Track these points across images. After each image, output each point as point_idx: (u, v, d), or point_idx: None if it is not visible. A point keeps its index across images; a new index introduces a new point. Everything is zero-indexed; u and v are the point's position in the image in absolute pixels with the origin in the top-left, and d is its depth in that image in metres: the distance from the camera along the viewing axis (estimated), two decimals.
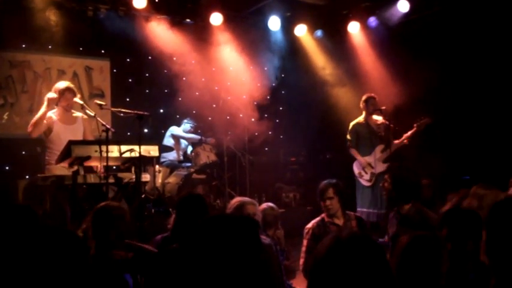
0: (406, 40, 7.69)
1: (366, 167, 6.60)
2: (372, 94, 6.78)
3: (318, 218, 4.49)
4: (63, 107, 5.59)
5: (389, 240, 4.18)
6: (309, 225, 4.47)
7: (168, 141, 7.83)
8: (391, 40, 7.93)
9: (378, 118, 6.71)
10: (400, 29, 7.89)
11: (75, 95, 5.61)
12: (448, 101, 7.19)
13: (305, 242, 4.42)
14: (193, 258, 1.69)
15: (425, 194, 4.47)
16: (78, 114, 5.75)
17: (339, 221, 4.40)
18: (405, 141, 6.58)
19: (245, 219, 1.90)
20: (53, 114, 5.60)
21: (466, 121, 7.21)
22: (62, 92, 5.55)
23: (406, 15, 7.78)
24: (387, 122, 6.57)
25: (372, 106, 6.67)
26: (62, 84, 5.69)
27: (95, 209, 3.31)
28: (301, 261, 4.41)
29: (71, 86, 5.71)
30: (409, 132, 6.54)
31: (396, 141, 6.59)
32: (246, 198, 4.03)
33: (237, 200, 4.00)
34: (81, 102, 5.60)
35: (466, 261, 2.53)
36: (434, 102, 7.17)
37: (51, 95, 5.54)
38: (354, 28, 8.36)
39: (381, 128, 6.67)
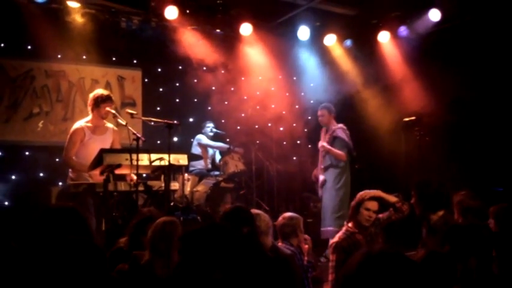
0: (437, 50, 7.61)
1: None
2: None
3: (342, 231, 4.39)
4: (98, 115, 5.62)
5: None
6: (335, 239, 4.37)
7: (195, 149, 7.91)
8: (422, 50, 7.85)
9: None
10: (431, 39, 7.81)
11: (112, 104, 5.67)
12: (477, 110, 7.07)
13: (333, 257, 4.28)
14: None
15: (472, 204, 4.32)
16: (109, 125, 5.78)
17: (362, 230, 4.34)
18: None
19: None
20: (86, 122, 5.66)
21: (497, 131, 7.08)
22: (101, 101, 5.59)
23: (437, 24, 7.70)
24: None
25: None
26: (100, 92, 5.72)
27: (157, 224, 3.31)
28: (331, 277, 4.29)
29: (110, 94, 5.75)
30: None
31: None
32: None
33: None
34: (113, 111, 5.68)
35: (469, 279, 2.44)
36: (463, 112, 7.07)
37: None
38: (384, 38, 8.32)
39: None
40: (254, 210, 3.91)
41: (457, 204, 4.21)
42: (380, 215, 4.46)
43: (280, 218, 4.42)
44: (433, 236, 3.85)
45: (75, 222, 2.63)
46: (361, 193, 4.40)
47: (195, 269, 1.73)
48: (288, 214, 4.46)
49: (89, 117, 5.68)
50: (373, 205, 4.31)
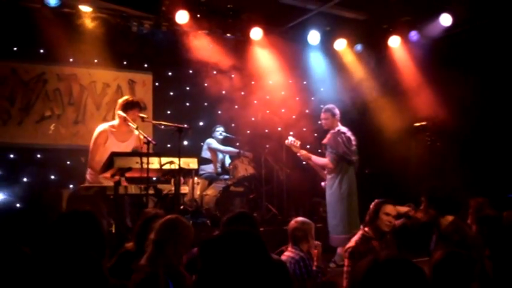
0: (448, 54, 7.58)
1: None
2: None
3: (358, 236, 4.32)
4: (124, 120, 5.53)
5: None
6: (351, 244, 4.28)
7: (205, 153, 7.93)
8: (433, 54, 7.83)
9: None
10: (442, 43, 7.78)
11: (139, 111, 5.59)
12: (489, 116, 7.02)
13: (348, 262, 4.21)
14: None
15: (490, 213, 4.27)
16: (135, 132, 5.63)
17: (379, 236, 4.29)
18: None
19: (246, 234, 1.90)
20: (110, 126, 5.64)
21: (509, 137, 7.02)
22: (130, 106, 5.55)
23: (448, 29, 7.67)
24: None
25: None
26: (129, 98, 5.71)
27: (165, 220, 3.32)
28: (345, 282, 4.24)
29: (140, 101, 5.73)
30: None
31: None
32: None
33: None
34: (124, 115, 5.66)
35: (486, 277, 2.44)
36: (475, 117, 7.02)
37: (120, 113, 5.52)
38: (394, 42, 8.30)
39: None
40: None
41: (473, 211, 4.18)
42: (396, 222, 4.43)
43: (292, 222, 4.41)
44: (444, 242, 3.82)
45: (90, 227, 2.64)
46: (377, 200, 4.36)
47: (216, 276, 1.74)
48: (301, 219, 4.45)
49: (115, 122, 5.68)
50: (392, 210, 4.27)
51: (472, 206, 4.36)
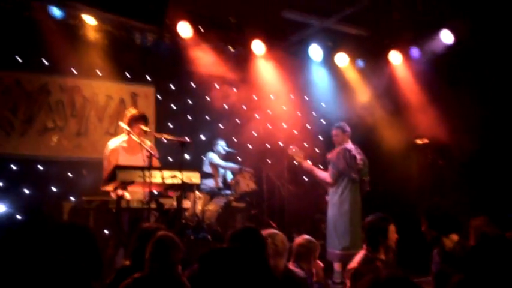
0: (450, 71, 7.62)
1: None
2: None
3: (360, 256, 4.15)
4: (130, 135, 5.54)
5: (432, 278, 4.05)
6: (353, 264, 4.13)
7: (207, 167, 7.91)
8: (435, 71, 7.87)
9: None
10: (443, 60, 7.82)
11: (144, 124, 5.60)
12: (491, 133, 7.04)
13: (350, 283, 4.05)
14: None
15: (489, 231, 4.22)
16: (148, 143, 5.61)
17: (383, 255, 4.15)
18: None
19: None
20: (121, 142, 5.66)
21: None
22: (134, 120, 5.55)
23: (450, 46, 7.72)
24: None
25: None
26: (133, 111, 5.72)
27: (155, 238, 3.37)
28: None
29: (145, 114, 5.74)
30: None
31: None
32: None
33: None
34: (128, 128, 5.66)
35: None
36: (476, 134, 7.04)
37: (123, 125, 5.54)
38: (396, 59, 8.35)
39: None
40: (272, 230, 3.86)
41: (474, 230, 4.15)
42: None
43: (298, 238, 4.38)
44: (449, 262, 3.78)
45: (84, 241, 2.62)
46: (382, 221, 4.23)
47: None
48: (307, 237, 4.41)
49: (125, 137, 5.69)
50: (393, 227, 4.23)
51: (473, 225, 4.33)
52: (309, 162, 6.79)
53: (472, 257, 2.29)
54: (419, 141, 7.01)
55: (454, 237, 3.97)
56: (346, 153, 6.52)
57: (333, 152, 6.63)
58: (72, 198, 6.95)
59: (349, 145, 6.62)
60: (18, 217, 6.82)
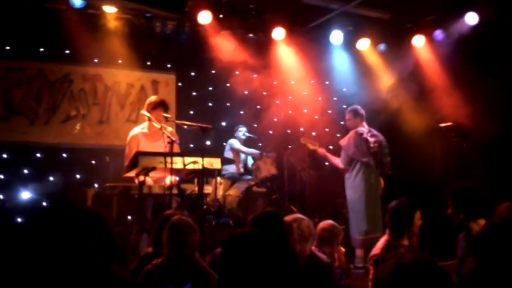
0: (474, 54, 7.44)
1: None
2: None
3: (383, 242, 4.01)
4: (151, 121, 5.58)
5: (458, 262, 3.96)
6: (375, 251, 3.99)
7: (228, 153, 7.93)
8: (458, 54, 7.69)
9: None
10: (468, 42, 7.64)
11: (163, 111, 5.62)
12: None
13: (373, 270, 3.94)
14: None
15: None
16: (169, 129, 5.66)
17: (406, 241, 4.01)
18: None
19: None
20: (141, 128, 5.72)
21: None
22: (153, 107, 5.59)
23: (475, 27, 7.54)
24: None
25: None
26: (153, 98, 5.77)
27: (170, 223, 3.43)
28: None
29: (163, 100, 5.77)
30: None
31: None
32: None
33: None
34: (148, 114, 5.69)
35: None
36: (502, 118, 6.88)
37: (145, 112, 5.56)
38: (419, 41, 8.19)
39: None
40: (297, 215, 3.82)
41: (501, 216, 4.03)
42: None
43: (322, 223, 4.39)
44: None
45: (94, 224, 2.63)
46: (408, 207, 4.05)
47: (237, 274, 1.73)
48: (331, 221, 4.42)
49: (145, 124, 5.74)
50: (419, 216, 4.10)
51: (499, 211, 4.22)
52: (321, 149, 6.77)
53: (481, 242, 2.20)
54: (443, 125, 6.87)
55: (482, 221, 3.85)
56: (356, 137, 6.45)
57: (345, 137, 6.57)
58: (96, 185, 7.06)
59: (362, 128, 6.52)
60: (44, 204, 6.96)
